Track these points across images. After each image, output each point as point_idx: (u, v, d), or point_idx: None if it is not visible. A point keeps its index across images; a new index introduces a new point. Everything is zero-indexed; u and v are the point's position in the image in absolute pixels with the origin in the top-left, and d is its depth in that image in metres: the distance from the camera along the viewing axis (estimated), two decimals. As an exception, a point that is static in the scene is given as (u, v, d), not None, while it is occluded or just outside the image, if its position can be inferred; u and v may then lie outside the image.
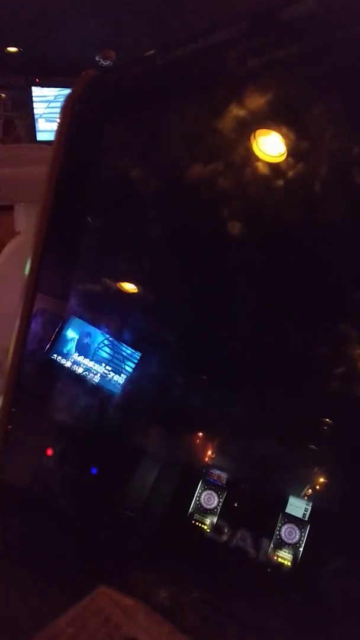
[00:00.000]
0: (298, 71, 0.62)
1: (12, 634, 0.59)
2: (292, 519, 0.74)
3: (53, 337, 0.92)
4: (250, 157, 0.72)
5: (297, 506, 0.75)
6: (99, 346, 0.91)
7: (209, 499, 0.79)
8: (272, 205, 0.74)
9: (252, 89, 0.66)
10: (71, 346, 0.92)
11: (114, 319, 0.90)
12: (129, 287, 0.90)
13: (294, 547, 0.72)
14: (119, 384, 0.89)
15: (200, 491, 0.80)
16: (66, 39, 3.97)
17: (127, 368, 0.89)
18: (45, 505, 0.80)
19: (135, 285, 0.90)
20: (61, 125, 0.76)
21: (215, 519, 0.77)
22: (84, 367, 0.91)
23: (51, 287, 0.85)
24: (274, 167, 0.71)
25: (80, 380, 0.90)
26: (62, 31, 3.81)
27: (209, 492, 0.80)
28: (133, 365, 0.89)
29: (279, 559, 0.72)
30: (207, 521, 0.78)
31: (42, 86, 4.89)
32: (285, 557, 0.72)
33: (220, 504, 0.79)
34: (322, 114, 0.63)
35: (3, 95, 5.07)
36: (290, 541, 0.73)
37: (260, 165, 0.72)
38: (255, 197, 0.75)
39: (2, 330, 0.79)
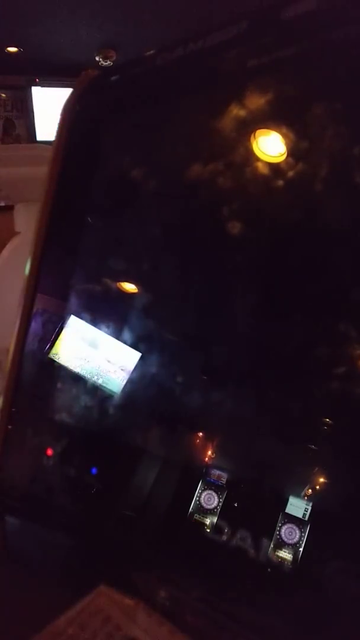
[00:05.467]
0: (298, 71, 0.62)
1: (12, 634, 0.59)
2: (292, 519, 0.74)
3: (53, 337, 0.92)
4: (250, 157, 0.72)
5: (297, 506, 0.75)
6: (99, 346, 0.91)
7: (209, 499, 0.79)
8: (272, 205, 0.74)
9: (252, 89, 0.66)
10: (71, 346, 0.92)
11: (114, 319, 0.90)
12: (129, 287, 0.90)
13: (294, 547, 0.72)
14: (119, 384, 0.89)
15: (200, 491, 0.80)
16: (66, 39, 3.97)
17: (127, 368, 0.89)
18: (45, 505, 0.80)
19: (135, 285, 0.90)
20: (61, 125, 0.76)
21: (215, 519, 0.77)
22: (84, 367, 0.91)
23: (51, 287, 0.85)
24: (274, 167, 0.71)
25: (80, 380, 0.90)
26: (62, 31, 3.81)
27: (209, 492, 0.80)
28: (133, 365, 0.89)
29: (279, 559, 0.72)
30: (207, 521, 0.77)
31: (42, 86, 4.89)
32: (285, 557, 0.72)
33: (220, 504, 0.78)
34: (322, 114, 0.63)
35: (3, 95, 5.07)
36: (290, 541, 0.73)
37: (260, 165, 0.72)
38: (255, 197, 0.75)
39: (2, 330, 0.79)
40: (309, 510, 0.74)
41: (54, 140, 0.76)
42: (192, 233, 0.81)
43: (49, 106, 4.82)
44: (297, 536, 0.73)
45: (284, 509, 0.75)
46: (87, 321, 0.91)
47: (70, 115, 0.76)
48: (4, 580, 0.69)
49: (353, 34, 0.55)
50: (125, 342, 0.89)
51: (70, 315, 0.91)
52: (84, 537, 0.75)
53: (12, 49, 4.30)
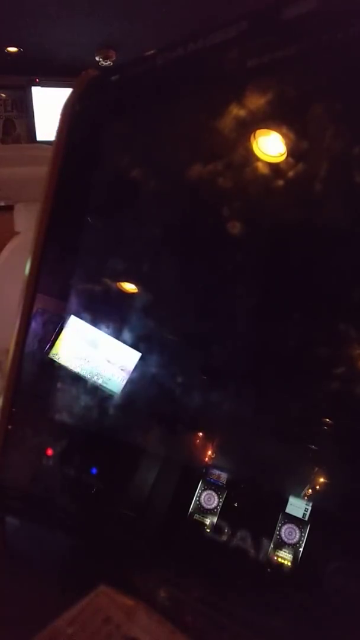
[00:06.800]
0: (298, 71, 0.62)
1: (12, 634, 0.59)
2: (292, 519, 0.74)
3: (53, 337, 0.92)
4: (250, 157, 0.72)
5: (297, 506, 0.75)
6: (99, 346, 0.91)
7: (209, 499, 0.79)
8: (272, 205, 0.74)
9: (252, 89, 0.67)
10: (71, 346, 0.92)
11: (114, 318, 0.90)
12: (129, 287, 0.90)
13: (294, 547, 0.72)
14: (119, 384, 0.89)
15: (200, 491, 0.80)
16: (66, 39, 3.98)
17: (127, 368, 0.89)
18: (45, 505, 0.80)
19: (135, 285, 0.90)
20: (61, 125, 0.76)
21: (215, 519, 0.77)
22: (84, 367, 0.91)
23: (51, 287, 0.85)
24: (274, 167, 0.71)
25: (80, 380, 0.90)
26: (62, 31, 3.81)
27: (209, 492, 0.80)
28: (133, 366, 0.89)
29: (279, 559, 0.72)
30: (207, 521, 0.77)
31: (42, 86, 4.90)
32: (285, 557, 0.72)
33: (220, 504, 0.78)
34: (322, 114, 0.63)
35: (3, 95, 5.08)
36: (290, 541, 0.73)
37: (260, 165, 0.72)
38: (255, 197, 0.75)
39: (2, 330, 0.79)
40: (309, 510, 0.74)
41: (53, 140, 0.76)
42: (192, 233, 0.81)
43: (49, 106, 4.82)
44: (297, 536, 0.73)
45: (284, 509, 0.75)
46: (87, 321, 0.91)
47: (70, 115, 0.76)
48: (3, 580, 0.69)
49: (354, 34, 0.55)
50: (125, 342, 0.89)
51: (70, 315, 0.91)
52: (84, 537, 0.75)
53: (12, 49, 4.30)
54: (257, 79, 0.65)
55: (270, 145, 0.70)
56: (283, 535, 0.73)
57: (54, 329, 0.93)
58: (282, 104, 0.66)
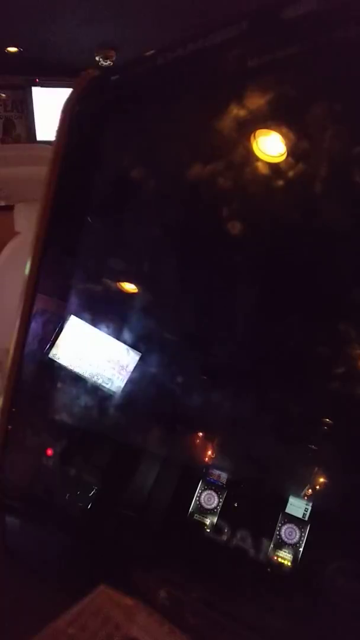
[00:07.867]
0: (298, 71, 0.62)
1: (12, 634, 0.59)
2: (292, 519, 0.74)
3: (53, 337, 0.92)
4: (250, 157, 0.72)
5: (297, 506, 0.75)
6: (99, 346, 0.91)
7: (209, 499, 0.79)
8: (272, 205, 0.74)
9: (252, 89, 0.67)
10: (71, 346, 0.92)
11: (114, 319, 0.90)
12: (129, 287, 0.90)
13: (294, 547, 0.72)
14: (119, 384, 0.89)
15: (200, 491, 0.80)
16: (66, 39, 3.97)
17: (127, 368, 0.89)
18: (45, 504, 0.80)
19: (135, 285, 0.90)
20: (61, 126, 0.76)
21: (215, 519, 0.77)
22: (84, 367, 0.91)
23: (51, 287, 0.85)
24: (274, 167, 0.71)
25: (80, 380, 0.90)
26: (63, 31, 3.81)
27: (209, 492, 0.80)
28: (133, 365, 0.89)
29: (279, 559, 0.72)
30: (207, 521, 0.77)
31: (42, 86, 4.89)
32: (285, 557, 0.72)
33: (220, 504, 0.78)
34: (322, 114, 0.64)
35: (3, 95, 5.07)
36: (290, 541, 0.73)
37: (260, 165, 0.72)
38: (255, 197, 0.75)
39: (2, 330, 0.79)
40: (309, 510, 0.74)
41: (54, 140, 0.76)
42: (192, 233, 0.81)
43: (49, 106, 4.82)
44: (297, 536, 0.73)
45: (284, 509, 0.75)
46: (87, 321, 0.91)
47: (70, 115, 0.76)
48: (3, 580, 0.69)
49: (353, 33, 0.55)
50: (125, 342, 0.89)
51: (70, 315, 0.91)
52: (84, 537, 0.75)
53: (12, 49, 4.30)
54: (258, 79, 0.65)
55: (270, 145, 0.70)
56: (283, 535, 0.73)
57: (54, 329, 0.93)
58: (282, 104, 0.66)
